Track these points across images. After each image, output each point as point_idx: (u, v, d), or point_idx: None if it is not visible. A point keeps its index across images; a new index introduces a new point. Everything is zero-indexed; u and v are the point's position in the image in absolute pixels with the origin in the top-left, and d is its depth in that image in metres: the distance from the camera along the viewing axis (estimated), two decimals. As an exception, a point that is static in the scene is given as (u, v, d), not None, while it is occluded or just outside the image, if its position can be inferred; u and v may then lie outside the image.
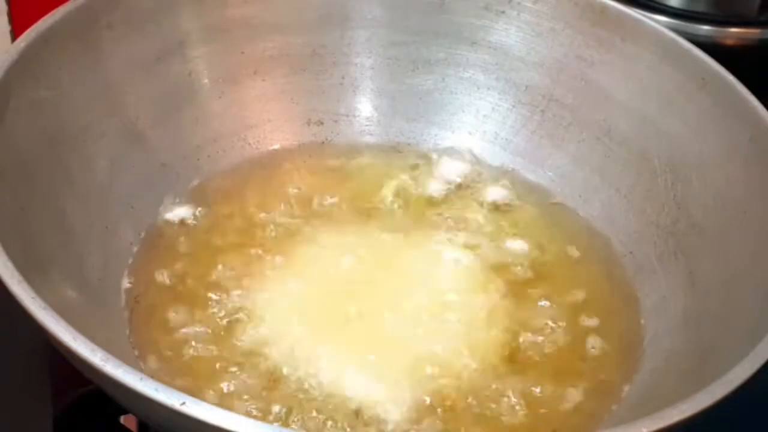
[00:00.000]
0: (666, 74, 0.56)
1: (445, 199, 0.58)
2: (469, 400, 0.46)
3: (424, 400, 0.45)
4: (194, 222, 0.54)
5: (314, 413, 0.44)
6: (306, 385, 0.45)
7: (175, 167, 0.56)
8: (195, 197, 0.55)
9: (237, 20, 0.59)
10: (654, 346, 0.49)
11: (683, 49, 0.55)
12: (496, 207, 0.57)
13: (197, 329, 0.48)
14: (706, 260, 0.51)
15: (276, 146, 0.60)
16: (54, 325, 0.35)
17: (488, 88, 0.61)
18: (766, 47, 0.72)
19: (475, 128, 0.61)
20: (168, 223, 0.53)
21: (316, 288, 0.50)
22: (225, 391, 0.45)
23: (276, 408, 0.44)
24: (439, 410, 0.45)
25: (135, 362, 0.45)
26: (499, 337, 0.49)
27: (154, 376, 0.34)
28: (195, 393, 0.33)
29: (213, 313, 0.49)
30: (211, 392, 0.45)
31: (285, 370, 0.46)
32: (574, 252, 0.55)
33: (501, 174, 0.60)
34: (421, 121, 0.62)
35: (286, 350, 0.47)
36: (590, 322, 0.51)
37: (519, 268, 0.54)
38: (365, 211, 0.56)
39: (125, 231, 0.52)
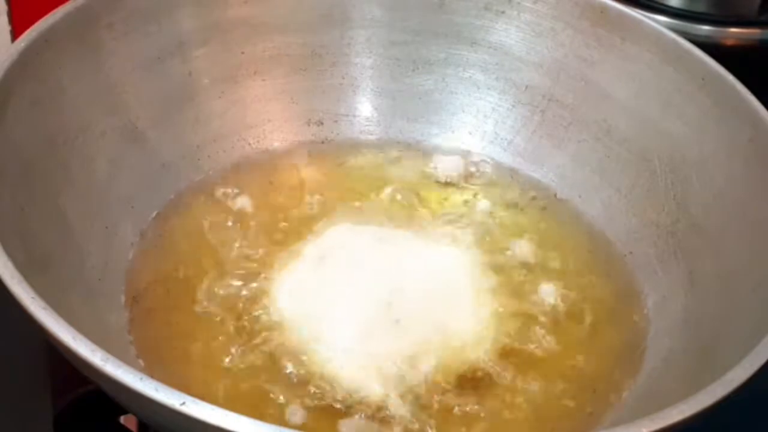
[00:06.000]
0: (666, 74, 0.56)
1: (445, 199, 0.58)
2: (467, 398, 0.46)
3: (420, 397, 0.45)
4: (194, 222, 0.54)
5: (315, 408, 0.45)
6: (305, 381, 0.46)
7: (175, 167, 0.56)
8: (195, 197, 0.55)
9: (237, 20, 0.59)
10: (654, 346, 0.49)
11: (683, 49, 0.55)
12: (495, 207, 0.57)
13: (198, 329, 0.48)
14: (706, 260, 0.51)
15: (276, 146, 0.60)
16: (54, 325, 0.35)
17: (488, 88, 0.61)
18: (766, 47, 0.72)
19: (475, 128, 0.61)
20: (168, 223, 0.53)
21: (317, 287, 0.50)
22: (226, 390, 0.45)
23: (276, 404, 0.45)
24: (435, 407, 0.45)
25: (135, 362, 0.45)
26: (497, 336, 0.49)
27: (153, 375, 0.34)
28: (195, 392, 0.33)
29: (214, 313, 0.49)
30: (211, 391, 0.45)
31: (286, 368, 0.46)
32: (573, 251, 0.55)
33: (501, 174, 0.60)
34: (421, 121, 0.62)
35: (286, 349, 0.47)
36: (590, 321, 0.51)
37: (518, 267, 0.54)
38: (366, 211, 0.56)
39: (125, 231, 0.51)
